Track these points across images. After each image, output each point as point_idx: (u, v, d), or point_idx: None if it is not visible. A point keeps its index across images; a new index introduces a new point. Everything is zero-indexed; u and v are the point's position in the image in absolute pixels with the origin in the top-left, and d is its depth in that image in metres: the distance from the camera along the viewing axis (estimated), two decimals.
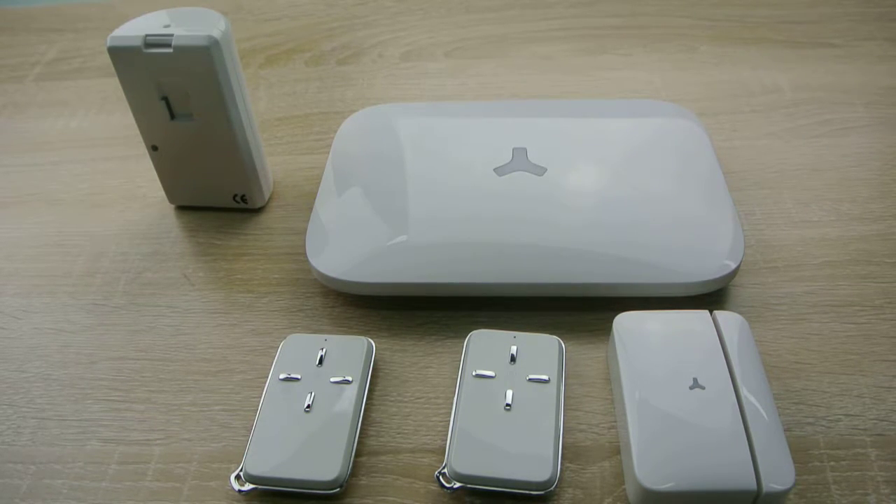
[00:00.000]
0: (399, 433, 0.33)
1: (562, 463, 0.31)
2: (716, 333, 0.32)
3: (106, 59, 0.37)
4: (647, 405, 0.30)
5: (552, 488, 0.29)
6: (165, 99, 0.38)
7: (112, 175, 0.48)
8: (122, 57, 0.37)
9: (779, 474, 0.27)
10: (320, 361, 0.34)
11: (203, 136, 0.40)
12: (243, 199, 0.43)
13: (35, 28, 0.64)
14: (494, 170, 0.39)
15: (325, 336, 0.35)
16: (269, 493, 0.31)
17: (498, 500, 0.30)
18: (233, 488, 0.30)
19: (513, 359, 0.33)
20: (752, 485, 0.27)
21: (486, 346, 0.34)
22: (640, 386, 0.30)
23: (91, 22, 0.64)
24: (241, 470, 0.31)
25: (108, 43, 0.37)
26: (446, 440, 0.32)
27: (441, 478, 0.30)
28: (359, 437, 0.32)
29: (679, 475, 0.27)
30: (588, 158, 0.40)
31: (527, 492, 0.30)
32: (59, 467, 0.32)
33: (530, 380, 0.32)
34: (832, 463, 0.31)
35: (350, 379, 0.33)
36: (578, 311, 0.37)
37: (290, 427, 0.31)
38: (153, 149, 0.41)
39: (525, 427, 0.31)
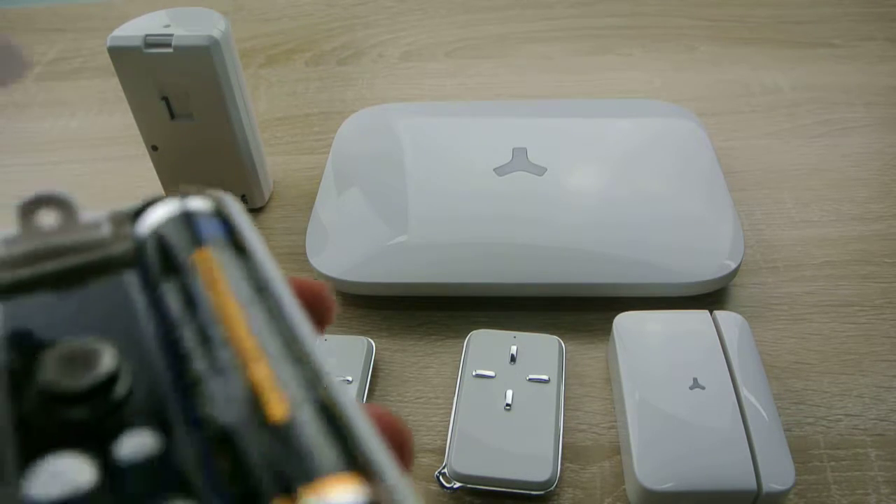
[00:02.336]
0: None
1: (562, 463, 0.31)
2: (716, 333, 0.32)
3: (106, 59, 0.37)
4: (647, 405, 0.30)
5: (552, 488, 0.29)
6: (165, 99, 0.38)
7: (112, 175, 0.48)
8: (123, 57, 0.37)
9: (779, 474, 0.27)
10: None
11: (203, 136, 0.40)
12: (243, 199, 0.43)
13: (35, 28, 0.64)
14: (494, 170, 0.39)
15: (325, 336, 0.35)
16: None
17: (498, 500, 0.30)
18: None
19: (513, 359, 0.33)
20: (753, 485, 0.27)
21: (486, 346, 0.34)
22: (640, 386, 0.30)
23: (91, 22, 0.64)
24: None
25: (109, 43, 0.37)
26: (446, 440, 0.32)
27: (441, 478, 0.30)
28: None
29: (679, 475, 0.27)
30: (588, 158, 0.40)
31: (527, 492, 0.30)
32: None
33: (530, 380, 0.32)
34: (832, 463, 0.31)
35: (350, 379, 0.33)
36: (578, 311, 0.37)
37: None
38: (153, 149, 0.41)
39: (525, 427, 0.31)
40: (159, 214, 0.14)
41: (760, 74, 0.53)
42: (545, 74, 0.55)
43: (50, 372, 0.11)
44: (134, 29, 0.37)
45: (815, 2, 0.61)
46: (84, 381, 0.11)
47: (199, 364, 0.11)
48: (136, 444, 0.10)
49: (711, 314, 0.33)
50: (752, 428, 0.28)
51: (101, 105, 0.54)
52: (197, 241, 0.13)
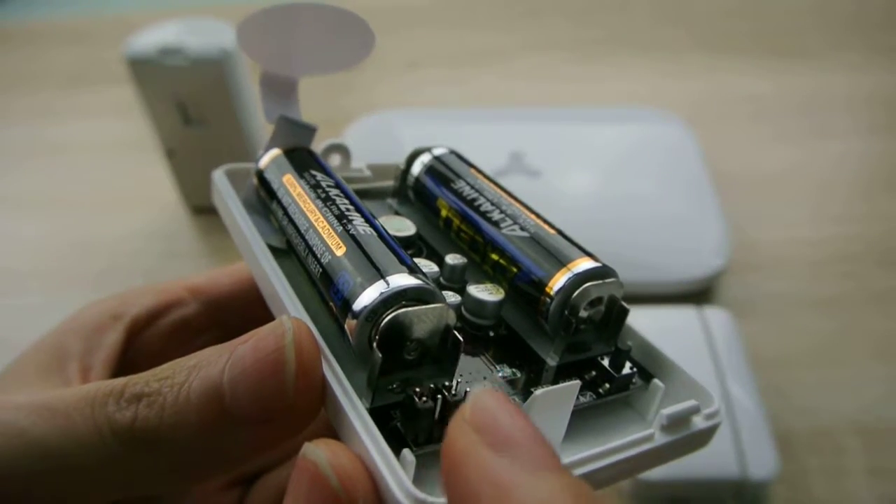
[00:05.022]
0: None
1: None
2: (702, 329, 0.33)
3: (123, 68, 0.39)
4: None
5: None
6: (180, 106, 0.39)
7: (129, 179, 0.49)
8: (139, 67, 0.38)
9: (763, 464, 0.28)
10: None
11: (216, 140, 0.41)
12: None
13: (55, 39, 0.66)
14: (492, 173, 0.41)
15: None
16: None
17: None
18: None
19: None
20: (737, 474, 0.28)
21: None
22: None
23: (109, 33, 0.66)
24: None
25: (126, 53, 0.38)
26: None
27: None
28: None
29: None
30: (581, 162, 0.42)
31: None
32: None
33: None
34: (814, 452, 0.31)
35: None
36: None
37: None
38: (169, 154, 0.42)
39: None
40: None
41: (746, 82, 0.54)
42: (541, 83, 0.56)
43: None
44: (149, 40, 0.38)
45: (799, 12, 0.62)
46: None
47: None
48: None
49: (698, 310, 0.34)
50: (737, 419, 0.29)
51: (117, 112, 0.55)
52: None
